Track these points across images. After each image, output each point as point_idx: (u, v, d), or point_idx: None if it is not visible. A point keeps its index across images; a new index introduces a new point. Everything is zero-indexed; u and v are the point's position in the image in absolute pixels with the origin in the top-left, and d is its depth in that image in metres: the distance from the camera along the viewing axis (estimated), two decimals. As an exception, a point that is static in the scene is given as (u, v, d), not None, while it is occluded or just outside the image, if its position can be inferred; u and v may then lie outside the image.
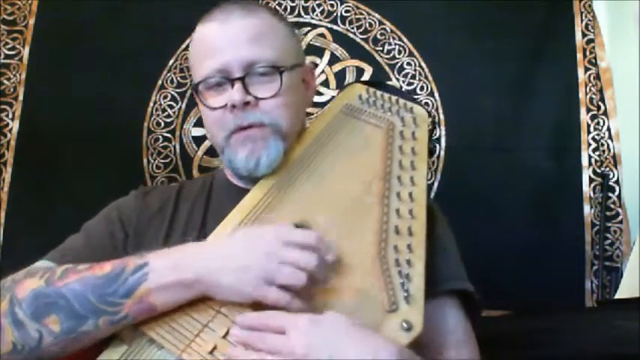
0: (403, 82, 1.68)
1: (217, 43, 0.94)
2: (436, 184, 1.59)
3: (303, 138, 1.01)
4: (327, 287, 0.81)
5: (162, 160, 1.69)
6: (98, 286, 0.78)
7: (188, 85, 1.72)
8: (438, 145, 0.98)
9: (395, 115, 1.01)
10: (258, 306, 0.78)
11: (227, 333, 0.78)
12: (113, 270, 0.79)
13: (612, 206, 1.59)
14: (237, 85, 0.92)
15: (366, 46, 1.71)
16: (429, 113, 1.03)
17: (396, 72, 1.69)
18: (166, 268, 0.79)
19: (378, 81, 1.08)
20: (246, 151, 0.94)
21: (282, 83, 0.94)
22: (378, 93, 1.04)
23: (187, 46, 1.73)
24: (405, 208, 0.89)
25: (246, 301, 0.78)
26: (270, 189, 0.94)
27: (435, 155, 1.00)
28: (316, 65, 1.69)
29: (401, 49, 1.70)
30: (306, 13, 1.74)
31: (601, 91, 1.64)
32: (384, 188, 0.92)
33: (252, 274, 0.76)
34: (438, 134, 1.54)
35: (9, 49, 1.74)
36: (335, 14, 1.74)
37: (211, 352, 0.76)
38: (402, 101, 1.03)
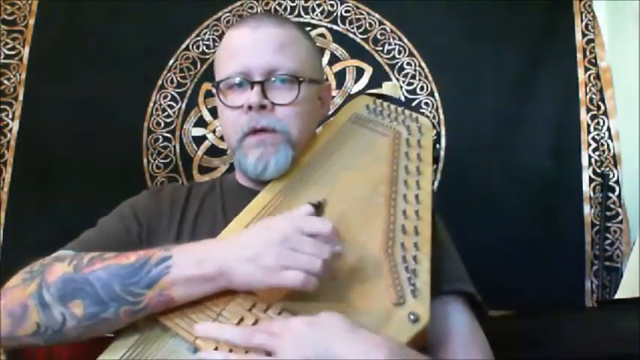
0: (403, 82, 1.68)
1: (243, 46, 0.99)
2: (436, 184, 1.59)
3: (313, 144, 1.05)
4: (336, 282, 0.82)
5: (162, 160, 1.69)
6: (122, 276, 0.80)
7: (188, 85, 1.72)
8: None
9: (401, 124, 1.05)
10: (276, 291, 0.80)
11: (241, 320, 0.79)
12: (138, 260, 0.82)
13: (612, 206, 1.59)
14: (257, 88, 0.97)
15: (366, 46, 1.71)
16: (433, 125, 1.08)
17: (396, 72, 1.69)
18: (190, 262, 0.81)
19: (384, 94, 1.13)
20: (257, 154, 0.98)
21: (299, 92, 0.98)
22: (385, 104, 1.08)
23: (187, 46, 1.73)
24: (411, 209, 0.92)
25: (264, 287, 0.79)
26: (280, 191, 0.98)
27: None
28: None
29: (401, 49, 1.70)
30: (306, 13, 1.74)
31: (601, 91, 1.64)
32: (391, 191, 0.95)
33: (267, 260, 0.78)
34: (437, 136, 1.55)
35: (9, 49, 1.75)
36: (335, 14, 1.74)
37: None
38: (407, 112, 1.07)
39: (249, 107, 0.96)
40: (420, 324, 0.79)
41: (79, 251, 0.91)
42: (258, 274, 0.78)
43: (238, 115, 0.98)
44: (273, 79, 0.98)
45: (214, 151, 1.69)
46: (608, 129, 1.62)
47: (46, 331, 0.81)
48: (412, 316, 0.79)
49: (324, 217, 0.85)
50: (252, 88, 0.97)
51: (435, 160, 1.03)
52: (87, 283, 0.81)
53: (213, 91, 1.06)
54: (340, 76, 1.70)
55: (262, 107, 0.97)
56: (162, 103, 1.72)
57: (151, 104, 1.72)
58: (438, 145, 1.07)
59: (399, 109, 1.07)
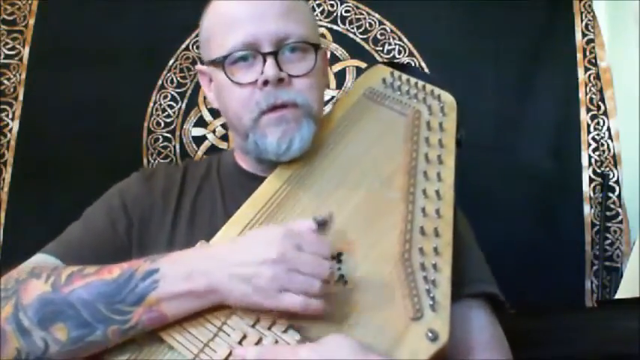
0: (403, 82, 1.68)
1: (246, 15, 0.88)
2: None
3: (324, 124, 0.95)
4: (346, 292, 0.77)
5: (162, 160, 1.69)
6: (107, 294, 0.75)
7: (188, 85, 1.72)
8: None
9: (421, 102, 0.94)
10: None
11: (244, 337, 0.74)
12: (122, 275, 0.76)
13: (612, 206, 1.59)
14: (270, 60, 0.87)
15: (366, 46, 1.71)
16: (457, 100, 0.97)
17: (396, 72, 1.68)
18: (178, 275, 0.75)
19: (403, 63, 1.02)
20: (279, 133, 0.88)
21: (316, 60, 0.90)
22: (404, 77, 0.97)
23: (187, 46, 1.73)
24: (431, 206, 0.83)
25: (260, 309, 0.74)
26: (287, 181, 0.89)
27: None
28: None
29: (401, 49, 1.70)
30: (306, 13, 1.74)
31: (601, 91, 1.64)
32: (409, 184, 0.86)
33: (262, 282, 0.72)
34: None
35: (9, 49, 1.74)
36: (335, 14, 1.74)
37: (227, 359, 0.73)
38: (428, 87, 0.96)
39: (265, 82, 0.86)
40: (439, 342, 0.72)
41: (60, 256, 0.86)
42: (254, 296, 0.73)
43: (251, 92, 0.88)
44: (284, 48, 0.88)
45: (214, 151, 1.69)
46: (608, 129, 1.62)
47: (28, 357, 0.75)
48: (431, 334, 0.72)
49: (327, 233, 0.78)
50: (264, 60, 0.87)
51: (458, 143, 0.93)
52: (67, 304, 0.74)
53: (204, 69, 0.96)
54: (340, 76, 1.69)
55: (280, 81, 0.87)
56: (163, 103, 1.72)
57: (151, 104, 1.72)
58: (462, 130, 0.95)
59: (420, 83, 0.95)
